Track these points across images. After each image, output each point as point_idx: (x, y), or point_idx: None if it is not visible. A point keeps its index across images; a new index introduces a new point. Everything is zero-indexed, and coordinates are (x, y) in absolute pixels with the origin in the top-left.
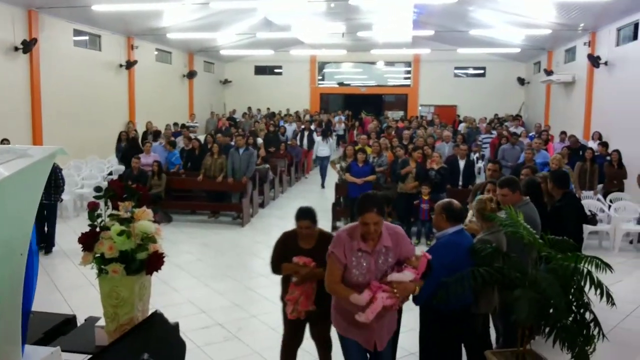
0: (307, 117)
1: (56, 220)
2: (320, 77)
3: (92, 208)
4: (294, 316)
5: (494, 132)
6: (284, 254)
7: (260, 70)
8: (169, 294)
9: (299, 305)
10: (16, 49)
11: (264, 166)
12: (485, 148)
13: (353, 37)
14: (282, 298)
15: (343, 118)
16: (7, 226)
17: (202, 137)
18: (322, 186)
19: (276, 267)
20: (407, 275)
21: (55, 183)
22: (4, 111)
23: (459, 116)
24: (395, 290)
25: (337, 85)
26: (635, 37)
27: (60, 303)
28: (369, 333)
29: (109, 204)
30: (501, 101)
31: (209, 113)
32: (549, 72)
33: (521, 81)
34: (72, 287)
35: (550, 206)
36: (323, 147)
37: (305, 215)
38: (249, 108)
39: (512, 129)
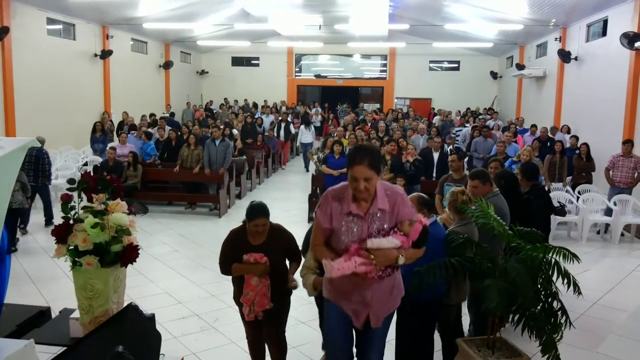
0: (284, 108)
1: (50, 197)
2: (297, 69)
3: (65, 200)
4: (252, 318)
5: (468, 124)
6: (233, 253)
7: (238, 61)
8: (146, 285)
9: (255, 306)
10: None
11: (240, 158)
12: (458, 140)
13: (330, 29)
14: (236, 299)
15: (320, 110)
16: None
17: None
18: (307, 169)
19: (226, 268)
20: (389, 241)
21: (42, 167)
22: None
23: (433, 109)
24: (372, 257)
25: (314, 77)
26: (604, 34)
27: (34, 295)
28: (362, 308)
29: (83, 196)
30: (475, 95)
31: (186, 104)
32: (520, 67)
33: (494, 75)
34: (47, 278)
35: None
36: (306, 135)
37: (260, 212)
38: (225, 99)
39: (490, 123)
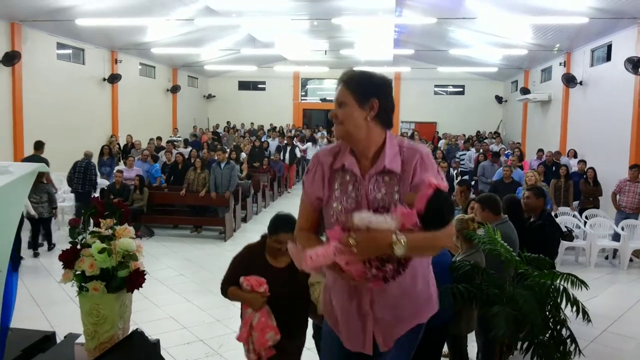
0: (291, 132)
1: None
2: (303, 93)
3: (73, 225)
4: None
5: (473, 148)
6: (243, 272)
7: (244, 85)
8: (150, 310)
9: (254, 344)
10: None
11: (246, 181)
12: (463, 164)
13: (336, 54)
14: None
15: (325, 133)
16: None
17: (185, 152)
18: None
19: (224, 289)
20: (379, 220)
21: (89, 177)
22: None
23: (437, 132)
24: (352, 241)
25: (320, 101)
26: (608, 59)
27: (39, 318)
28: (362, 322)
29: (90, 220)
30: (480, 119)
31: (192, 127)
32: (525, 91)
33: (499, 99)
34: (51, 302)
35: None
36: (313, 152)
37: (287, 225)
38: (228, 122)
39: (493, 147)
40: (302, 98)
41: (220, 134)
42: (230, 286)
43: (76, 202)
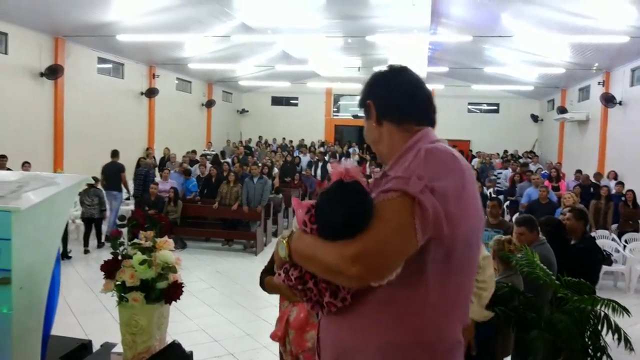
0: (323, 148)
1: None
2: (335, 109)
3: (115, 236)
4: None
5: (510, 168)
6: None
7: (277, 100)
8: (182, 322)
9: (291, 345)
10: (42, 74)
11: (277, 196)
12: (499, 183)
13: (369, 71)
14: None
15: (357, 150)
16: (32, 252)
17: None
18: None
19: (261, 278)
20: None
21: (149, 183)
22: (27, 134)
23: (471, 151)
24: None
25: (352, 118)
26: None
27: (74, 327)
28: None
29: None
30: (515, 137)
31: (226, 141)
32: (562, 110)
33: (535, 118)
34: (87, 311)
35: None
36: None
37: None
38: (260, 137)
39: (531, 166)
40: (334, 114)
41: (253, 149)
42: (267, 275)
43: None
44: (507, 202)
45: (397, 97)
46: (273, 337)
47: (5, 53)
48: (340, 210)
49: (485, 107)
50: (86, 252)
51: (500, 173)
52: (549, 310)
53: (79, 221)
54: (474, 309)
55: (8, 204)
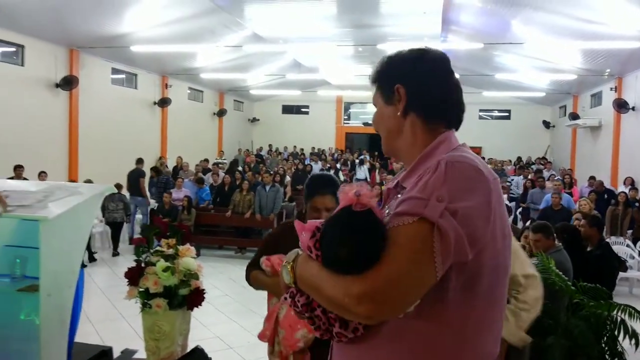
0: (335, 155)
1: None
2: (346, 117)
3: (138, 244)
4: None
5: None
6: (274, 251)
7: (288, 109)
8: (198, 329)
9: (281, 345)
10: (57, 85)
11: (289, 204)
12: (512, 190)
13: None
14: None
15: (368, 157)
16: (58, 260)
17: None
18: None
19: (247, 273)
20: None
21: (167, 190)
22: (43, 144)
23: (483, 158)
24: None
25: (363, 125)
26: None
27: (92, 334)
28: None
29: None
30: (526, 144)
31: (237, 150)
32: (574, 116)
33: (546, 124)
34: (104, 319)
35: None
36: (359, 172)
37: (324, 185)
38: (271, 145)
39: (544, 173)
40: (345, 122)
41: (264, 157)
42: (254, 269)
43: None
44: (520, 209)
45: (433, 87)
46: (261, 337)
47: (22, 65)
48: (347, 243)
49: (496, 113)
50: (114, 254)
51: (513, 180)
52: (565, 316)
53: (100, 227)
54: (509, 329)
55: (37, 214)
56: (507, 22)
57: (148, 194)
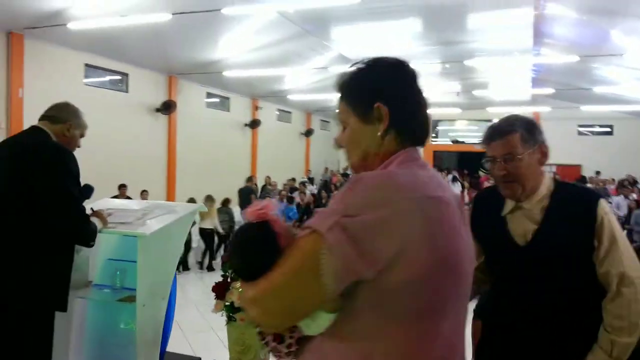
0: None
1: None
2: (434, 135)
3: (225, 261)
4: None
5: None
6: None
7: None
8: None
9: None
10: (157, 110)
11: None
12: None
13: (468, 95)
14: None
15: (457, 175)
16: (153, 273)
17: (312, 188)
18: None
19: None
20: None
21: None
22: (145, 165)
23: (583, 177)
24: None
25: (451, 143)
26: None
27: (183, 344)
28: None
29: None
30: (632, 161)
31: (324, 169)
32: None
33: None
34: (194, 329)
35: None
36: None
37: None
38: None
39: None
40: (433, 140)
41: (350, 176)
42: None
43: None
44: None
45: (412, 105)
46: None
47: (126, 91)
48: (237, 253)
49: (597, 129)
50: (208, 268)
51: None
52: None
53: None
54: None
55: (136, 230)
56: (605, 33)
57: None
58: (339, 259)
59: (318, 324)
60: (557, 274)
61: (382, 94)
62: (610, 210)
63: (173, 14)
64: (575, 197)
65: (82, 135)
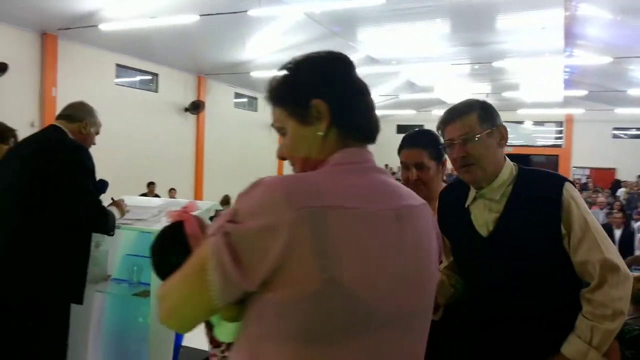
0: (452, 175)
1: None
2: None
3: None
4: None
5: None
6: None
7: (402, 129)
8: None
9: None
10: (186, 109)
11: None
12: None
13: (498, 97)
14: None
15: None
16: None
17: None
18: None
19: None
20: None
21: None
22: (173, 163)
23: (618, 181)
24: None
25: None
26: None
27: (198, 339)
28: None
29: None
30: None
31: None
32: None
33: None
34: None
35: None
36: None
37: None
38: (386, 165)
39: None
40: None
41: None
42: None
43: None
44: None
45: (351, 96)
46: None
47: (156, 91)
48: (152, 252)
49: (633, 132)
50: None
51: None
52: None
53: None
54: (576, 348)
55: (151, 227)
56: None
57: None
58: (218, 267)
59: (224, 331)
60: (523, 264)
61: (317, 89)
62: (578, 195)
63: (200, 15)
64: (539, 181)
65: (97, 133)
